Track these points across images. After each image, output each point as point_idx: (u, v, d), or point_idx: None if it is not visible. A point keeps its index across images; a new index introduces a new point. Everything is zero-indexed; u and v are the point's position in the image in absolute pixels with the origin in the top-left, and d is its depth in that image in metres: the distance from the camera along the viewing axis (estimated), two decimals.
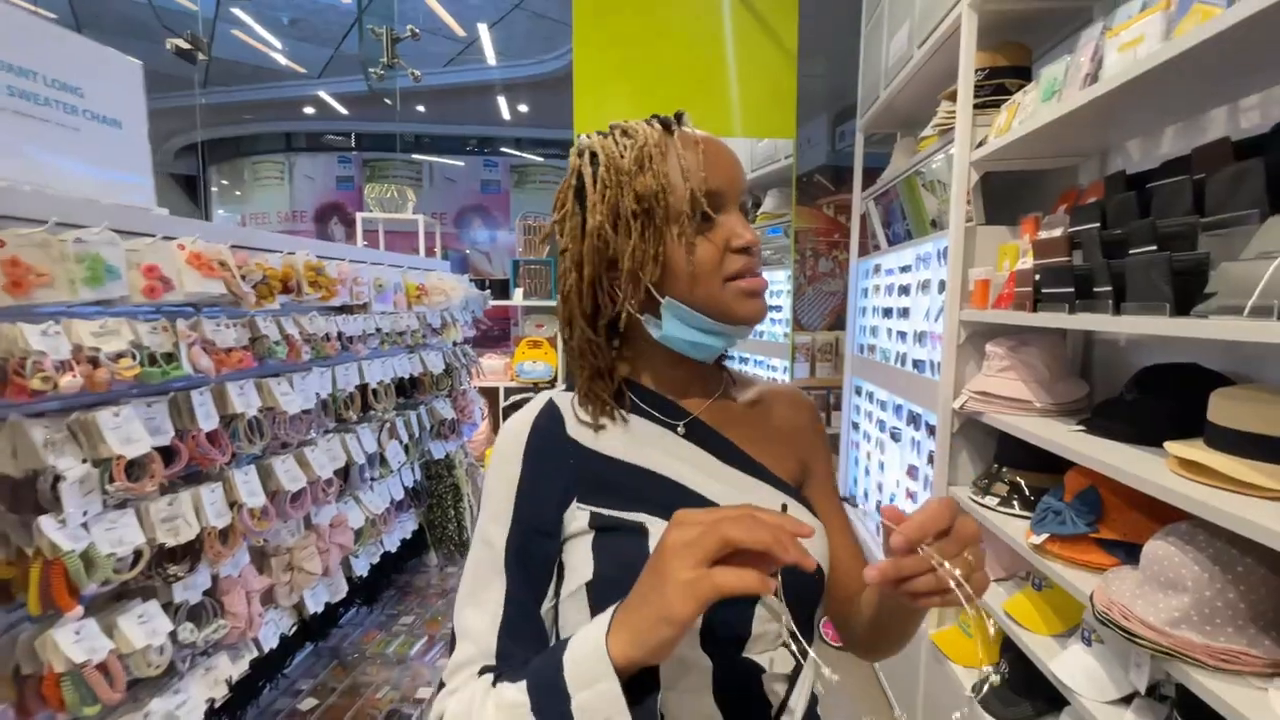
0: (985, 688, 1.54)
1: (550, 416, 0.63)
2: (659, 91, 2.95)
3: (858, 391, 2.88)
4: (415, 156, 9.63)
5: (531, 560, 0.58)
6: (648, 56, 2.96)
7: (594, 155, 0.62)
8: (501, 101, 8.47)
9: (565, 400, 0.65)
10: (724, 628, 0.56)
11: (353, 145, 9.76)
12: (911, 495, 2.17)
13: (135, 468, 0.81)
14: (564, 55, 6.80)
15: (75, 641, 0.74)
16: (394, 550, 1.81)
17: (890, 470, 2.41)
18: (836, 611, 0.72)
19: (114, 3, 6.06)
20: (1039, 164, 1.70)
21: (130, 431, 0.78)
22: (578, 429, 0.63)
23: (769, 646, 0.58)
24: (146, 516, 0.85)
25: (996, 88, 1.70)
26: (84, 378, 0.73)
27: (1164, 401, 1.21)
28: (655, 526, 0.57)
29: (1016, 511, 1.51)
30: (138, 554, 0.81)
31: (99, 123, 0.86)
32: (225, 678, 0.92)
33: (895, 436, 2.36)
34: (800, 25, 3.00)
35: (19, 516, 0.69)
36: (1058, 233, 1.36)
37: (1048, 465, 1.45)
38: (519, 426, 0.63)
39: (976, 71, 1.69)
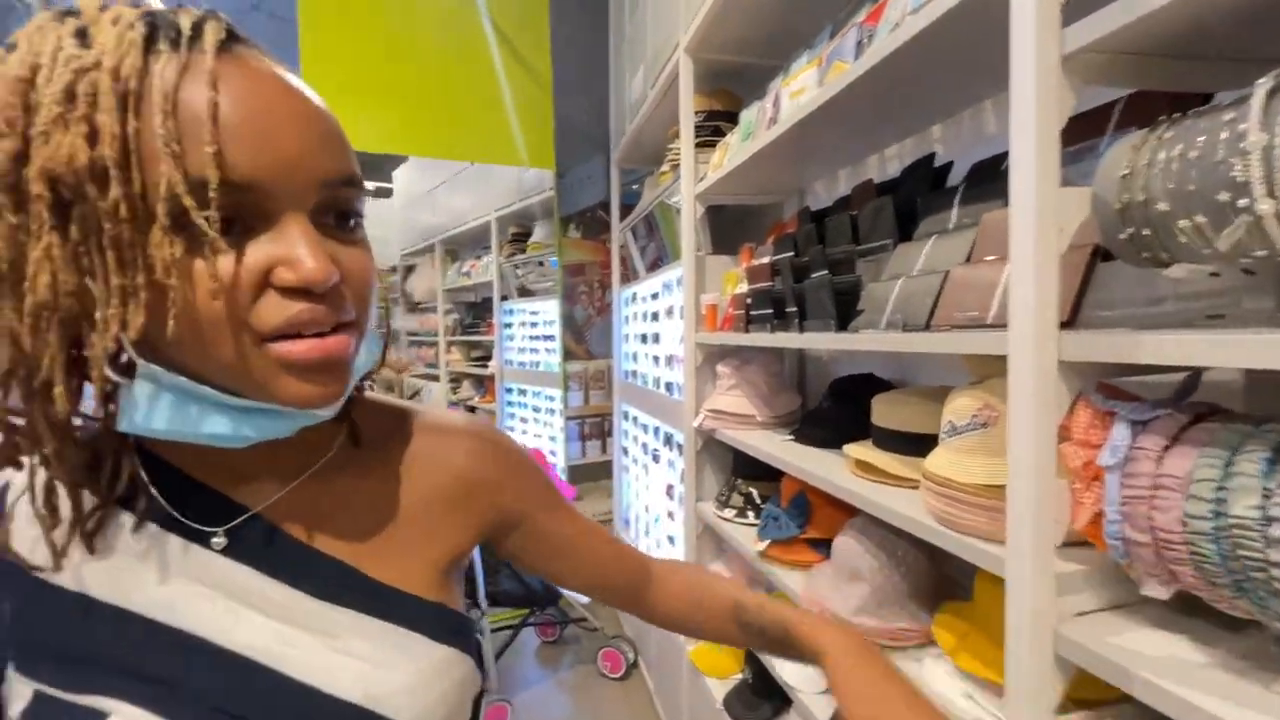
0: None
1: None
2: (399, 110, 2.76)
3: (625, 416, 2.94)
4: None
5: None
6: (389, 76, 2.76)
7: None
8: None
9: (24, 483, 0.38)
10: None
11: None
12: (671, 514, 2.24)
13: None
14: None
15: None
16: None
17: (653, 491, 2.47)
18: (631, 608, 0.64)
19: None
20: (751, 199, 1.88)
21: None
22: (29, 539, 0.38)
23: None
24: None
25: (714, 129, 1.85)
26: None
27: (848, 408, 1.36)
28: (121, 714, 0.36)
29: (750, 521, 1.60)
30: None
31: None
32: None
33: (655, 457, 2.42)
34: (567, 61, 3.05)
35: None
36: (764, 260, 1.49)
37: (774, 474, 1.56)
38: None
39: (696, 113, 1.82)
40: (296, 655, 0.40)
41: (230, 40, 0.36)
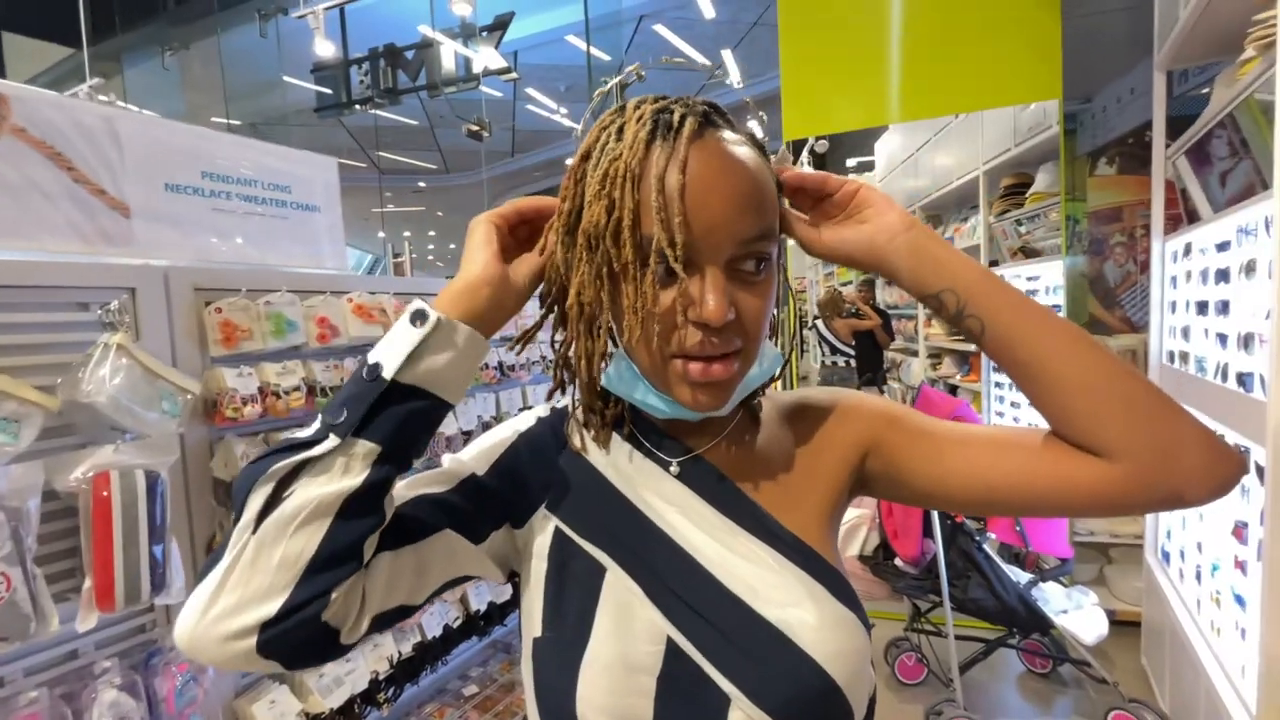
0: None
1: (549, 422, 0.59)
2: (878, 81, 2.67)
3: None
4: None
5: (478, 494, 0.52)
6: (867, 50, 2.71)
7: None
8: (754, 121, 8.58)
9: (569, 410, 0.59)
10: None
11: None
12: (1241, 565, 1.54)
13: None
14: None
15: None
16: None
17: (1211, 526, 1.74)
18: (1041, 497, 0.49)
19: (439, 104, 7.74)
20: None
21: None
22: (574, 435, 0.57)
23: None
24: None
25: None
26: (267, 408, 0.97)
27: None
28: (614, 572, 0.50)
29: None
30: None
31: (303, 210, 1.15)
32: (389, 655, 1.11)
33: None
34: None
35: (228, 511, 0.96)
36: None
37: None
38: (510, 430, 0.58)
39: None
40: (728, 567, 0.50)
41: (705, 125, 0.47)
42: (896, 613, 2.57)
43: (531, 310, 0.57)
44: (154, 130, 1.07)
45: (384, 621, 0.47)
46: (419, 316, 0.44)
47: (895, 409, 0.58)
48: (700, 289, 0.45)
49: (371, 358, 0.44)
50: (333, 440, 0.41)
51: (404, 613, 0.48)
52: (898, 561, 2.25)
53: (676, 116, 0.46)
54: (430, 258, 19.84)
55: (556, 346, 0.54)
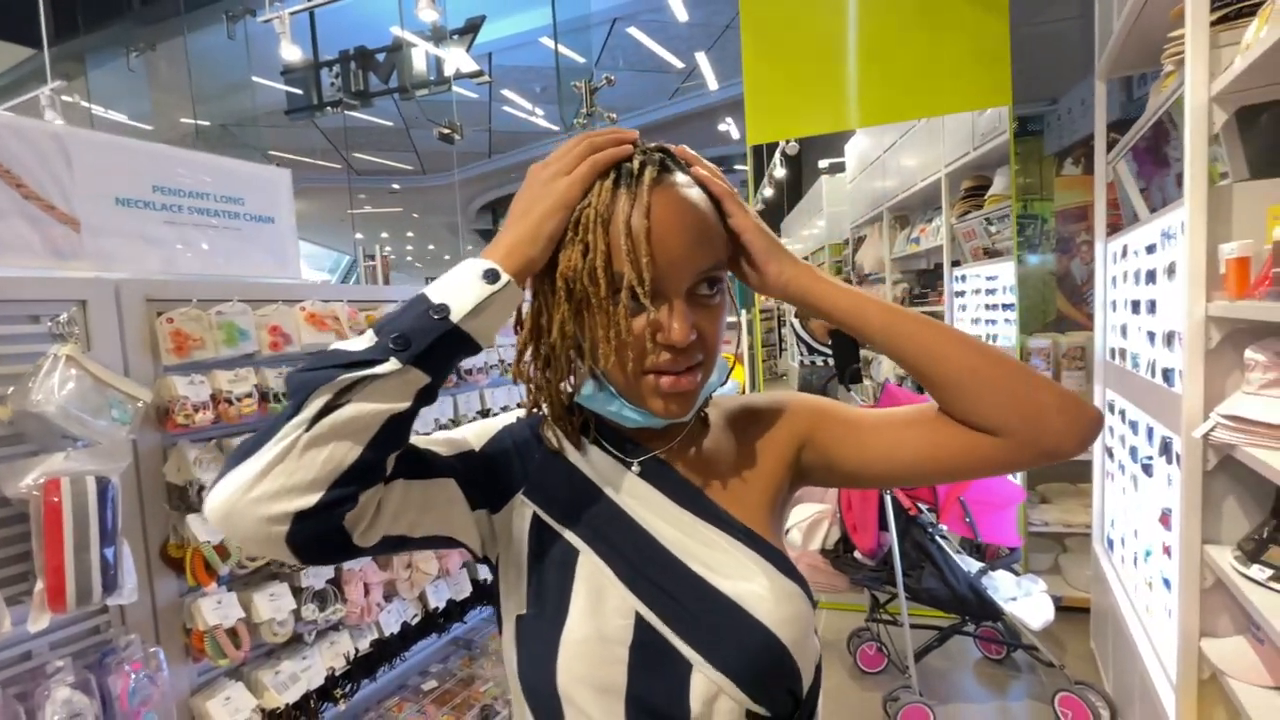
0: None
1: (528, 423, 0.64)
2: (841, 86, 2.75)
3: (1110, 408, 2.26)
4: None
5: (474, 465, 0.58)
6: (829, 57, 2.79)
7: None
8: (731, 122, 8.66)
9: (541, 417, 0.64)
10: (651, 703, 0.52)
11: None
12: (1167, 550, 1.63)
13: None
14: None
15: (214, 609, 1.01)
16: None
17: (1145, 514, 1.84)
18: (948, 466, 0.59)
19: (412, 106, 7.74)
20: None
21: None
22: (549, 436, 0.63)
23: None
24: None
25: None
26: (220, 414, 1.01)
27: None
28: (587, 555, 0.56)
29: None
30: None
31: (256, 221, 1.18)
32: (345, 652, 1.15)
33: (1148, 469, 1.79)
34: None
35: (181, 514, 0.99)
36: None
37: None
38: (498, 421, 0.64)
39: None
40: (687, 549, 0.57)
41: (662, 172, 0.53)
42: (858, 604, 2.65)
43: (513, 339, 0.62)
44: (104, 146, 1.09)
45: (388, 545, 0.51)
46: (491, 275, 0.49)
47: (824, 405, 0.66)
48: (667, 316, 0.52)
49: (436, 297, 0.48)
50: (393, 364, 0.45)
51: (403, 543, 0.53)
52: (857, 554, 2.33)
53: (637, 165, 0.53)
54: (409, 259, 19.67)
55: (529, 371, 0.59)
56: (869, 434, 0.62)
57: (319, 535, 0.45)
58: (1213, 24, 1.23)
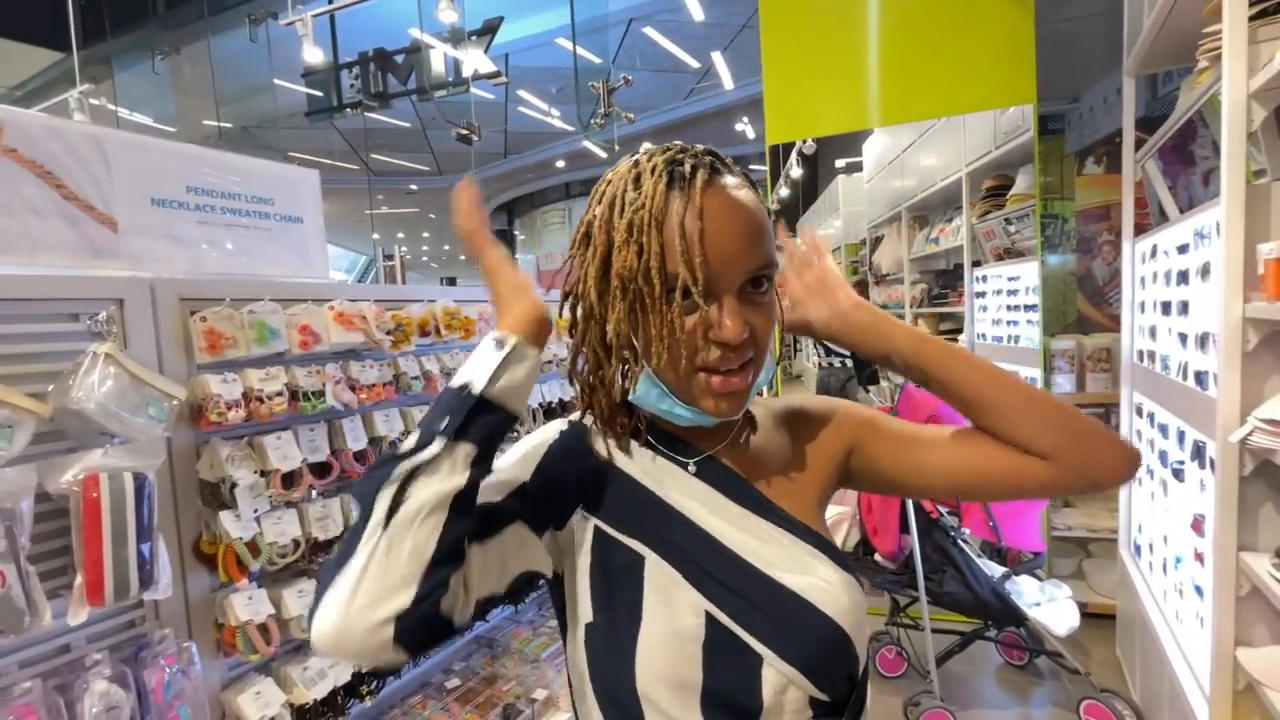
0: None
1: (573, 433, 0.64)
2: (861, 85, 2.73)
3: (1138, 411, 2.22)
4: None
5: (531, 498, 0.58)
6: (850, 56, 2.77)
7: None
8: (747, 122, 8.63)
9: (588, 423, 0.65)
10: (726, 698, 0.54)
11: None
12: (1199, 556, 1.59)
13: (293, 478, 1.10)
14: None
15: (245, 604, 1.03)
16: None
17: (1174, 519, 1.80)
18: (1002, 482, 0.62)
19: (430, 107, 7.79)
20: None
21: (287, 451, 1.06)
22: (598, 444, 0.64)
23: None
24: (305, 515, 1.13)
25: None
26: (251, 412, 1.02)
27: None
28: (653, 560, 0.57)
29: None
30: (297, 543, 1.09)
31: (286, 221, 1.19)
32: None
33: (1179, 474, 1.76)
34: None
35: (214, 511, 1.00)
36: None
37: None
38: (540, 439, 0.63)
39: None
40: (748, 546, 0.59)
41: (713, 174, 0.54)
42: (877, 607, 2.62)
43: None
44: (140, 147, 1.11)
45: (481, 609, 0.52)
46: (499, 342, 0.53)
47: (874, 415, 0.69)
48: (719, 314, 0.54)
49: (458, 381, 0.53)
50: (440, 443, 0.48)
51: (492, 601, 0.54)
52: (877, 557, 2.31)
53: (688, 167, 0.54)
54: (425, 258, 19.82)
55: (583, 373, 0.61)
56: (916, 447, 0.65)
57: (423, 626, 0.46)
58: (1251, 19, 1.20)
